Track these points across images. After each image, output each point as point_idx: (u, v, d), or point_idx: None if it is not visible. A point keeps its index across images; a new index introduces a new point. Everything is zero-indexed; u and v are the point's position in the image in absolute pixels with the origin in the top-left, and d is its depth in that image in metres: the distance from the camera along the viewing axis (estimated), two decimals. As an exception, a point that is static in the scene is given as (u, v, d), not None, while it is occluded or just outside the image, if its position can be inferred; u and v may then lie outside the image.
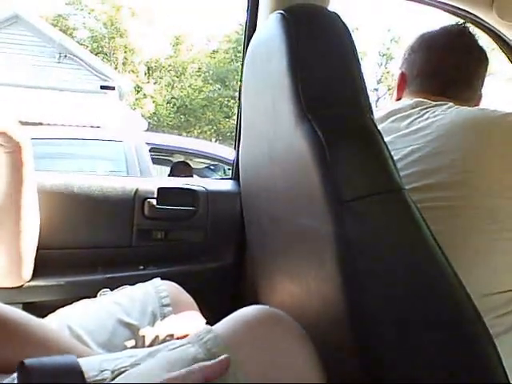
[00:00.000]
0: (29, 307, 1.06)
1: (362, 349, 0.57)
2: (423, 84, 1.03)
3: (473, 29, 1.05)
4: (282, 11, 0.69)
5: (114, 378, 0.56)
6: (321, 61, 0.65)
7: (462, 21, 1.13)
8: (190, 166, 4.19)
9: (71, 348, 0.71)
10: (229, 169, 3.79)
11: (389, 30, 20.04)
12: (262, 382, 0.53)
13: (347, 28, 0.67)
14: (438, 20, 1.12)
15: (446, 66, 1.01)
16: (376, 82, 19.24)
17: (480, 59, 1.03)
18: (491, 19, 1.40)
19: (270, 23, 0.73)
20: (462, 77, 1.02)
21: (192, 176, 4.06)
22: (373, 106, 0.65)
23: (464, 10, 1.41)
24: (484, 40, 1.49)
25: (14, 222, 0.93)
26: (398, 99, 1.07)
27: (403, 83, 1.07)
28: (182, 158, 4.50)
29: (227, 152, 4.18)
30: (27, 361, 0.53)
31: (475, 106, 1.06)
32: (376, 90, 19.08)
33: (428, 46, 1.04)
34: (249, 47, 0.90)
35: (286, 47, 0.65)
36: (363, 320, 0.56)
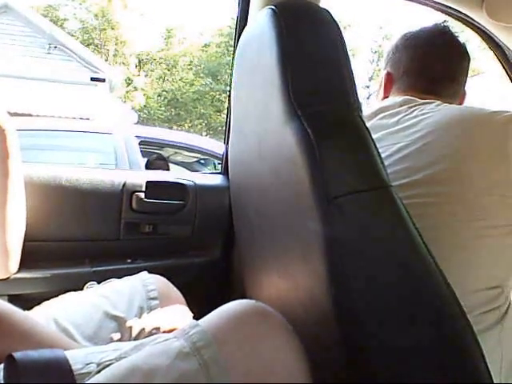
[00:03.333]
0: (15, 299, 1.05)
1: (348, 345, 0.57)
2: (410, 82, 1.04)
3: (463, 28, 1.06)
4: (272, 6, 0.68)
5: (99, 371, 0.56)
6: (311, 57, 0.65)
7: (449, 20, 1.14)
8: (166, 160, 4.15)
9: (56, 341, 0.70)
10: (219, 163, 3.78)
11: (381, 27, 20.09)
12: (246, 376, 0.53)
13: (338, 25, 0.68)
14: (429, 18, 1.13)
15: (431, 63, 1.03)
16: (368, 79, 19.29)
17: (462, 54, 1.05)
18: (481, 18, 1.41)
19: (260, 18, 0.72)
20: (446, 72, 1.04)
21: (168, 170, 4.04)
22: (364, 102, 0.66)
23: (454, 9, 1.41)
24: (475, 40, 1.50)
25: (0, 213, 0.93)
26: (385, 99, 1.07)
27: (389, 83, 1.08)
28: (172, 152, 4.49)
29: (217, 146, 4.17)
30: (16, 354, 0.53)
31: (460, 103, 1.08)
32: (367, 87, 19.13)
33: (412, 45, 1.05)
34: (239, 42, 0.90)
35: (276, 43, 0.65)
36: (349, 317, 0.56)
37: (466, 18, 1.43)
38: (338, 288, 0.57)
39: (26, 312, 0.77)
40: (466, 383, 0.54)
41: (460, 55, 1.05)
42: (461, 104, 1.08)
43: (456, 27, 1.11)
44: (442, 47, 1.04)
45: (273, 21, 0.67)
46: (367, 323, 0.56)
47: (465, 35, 1.13)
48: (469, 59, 1.07)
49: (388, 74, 1.09)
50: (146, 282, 0.94)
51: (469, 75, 1.09)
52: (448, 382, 0.54)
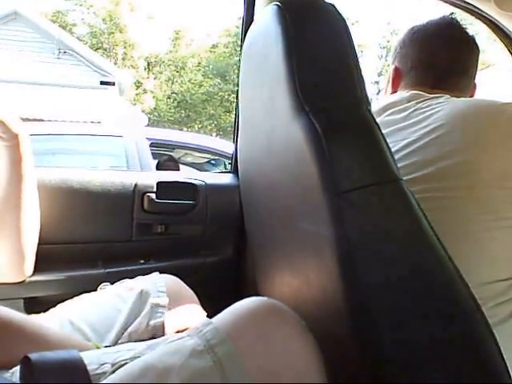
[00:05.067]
0: (30, 302, 1.07)
1: (362, 340, 0.57)
2: (418, 77, 1.03)
3: (473, 20, 1.04)
4: (278, 2, 0.68)
5: (114, 371, 0.56)
6: (317, 52, 0.65)
7: (458, 12, 1.13)
8: (176, 162, 4.14)
9: (66, 343, 0.71)
10: (229, 163, 3.77)
11: (389, 22, 19.99)
12: (261, 372, 0.53)
13: (344, 19, 0.67)
14: (438, 12, 1.11)
15: (439, 57, 1.01)
16: (377, 74, 19.19)
17: (470, 46, 1.03)
18: (490, 9, 1.39)
19: (266, 15, 0.72)
20: (455, 66, 1.02)
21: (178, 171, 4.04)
22: (373, 98, 0.65)
23: (463, 1, 1.40)
24: (485, 32, 1.49)
25: (15, 217, 0.93)
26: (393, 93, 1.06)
27: (398, 78, 1.06)
28: (182, 153, 4.50)
29: (228, 146, 4.17)
30: (31, 355, 0.53)
31: (471, 96, 1.06)
32: (377, 82, 19.02)
33: (419, 38, 1.04)
34: (245, 39, 0.90)
35: (282, 39, 0.65)
36: (362, 313, 0.56)
37: (475, 9, 1.42)
38: (350, 284, 0.57)
39: (37, 316, 0.77)
40: (485, 382, 0.54)
41: (468, 47, 1.03)
42: (471, 97, 1.07)
43: (465, 20, 1.09)
44: (450, 40, 1.02)
45: (278, 17, 0.67)
46: (380, 320, 0.55)
47: (474, 28, 1.11)
48: (478, 51, 1.04)
49: (396, 69, 1.07)
50: (156, 281, 0.94)
51: (479, 68, 1.07)
52: (466, 381, 0.54)
